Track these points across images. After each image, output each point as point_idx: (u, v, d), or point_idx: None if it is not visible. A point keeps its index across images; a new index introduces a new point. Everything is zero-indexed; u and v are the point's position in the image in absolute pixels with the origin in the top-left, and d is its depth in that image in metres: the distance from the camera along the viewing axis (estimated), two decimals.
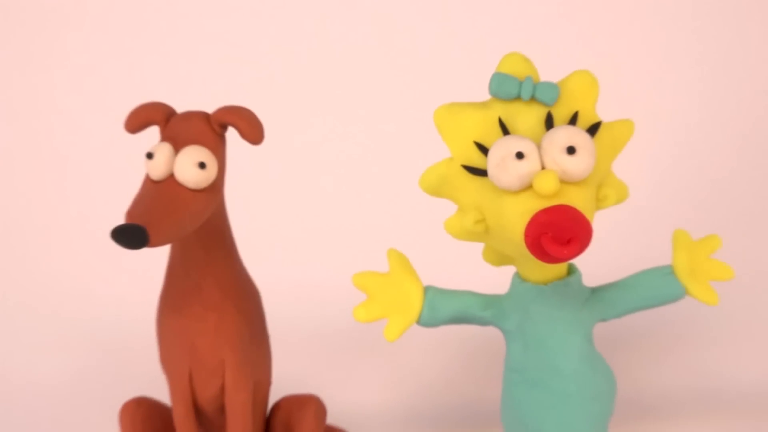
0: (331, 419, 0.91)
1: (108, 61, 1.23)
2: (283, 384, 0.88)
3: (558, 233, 0.62)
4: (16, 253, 1.14)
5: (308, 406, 0.83)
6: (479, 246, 0.74)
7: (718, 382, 0.99)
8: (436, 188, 0.71)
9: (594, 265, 0.75)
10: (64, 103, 1.21)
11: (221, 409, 0.79)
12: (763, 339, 1.02)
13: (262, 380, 0.82)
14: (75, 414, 1.00)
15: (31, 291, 1.12)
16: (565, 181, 0.65)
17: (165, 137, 0.73)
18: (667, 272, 0.74)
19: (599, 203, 0.70)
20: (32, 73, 1.21)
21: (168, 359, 0.78)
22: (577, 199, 0.65)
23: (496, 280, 0.76)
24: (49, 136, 1.20)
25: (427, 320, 0.73)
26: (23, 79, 1.22)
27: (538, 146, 0.66)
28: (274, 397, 0.86)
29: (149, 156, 0.71)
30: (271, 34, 1.18)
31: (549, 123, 0.68)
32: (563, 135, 0.66)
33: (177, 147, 0.72)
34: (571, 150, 0.65)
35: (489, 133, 0.68)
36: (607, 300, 0.74)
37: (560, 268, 0.72)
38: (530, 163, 0.65)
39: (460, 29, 1.14)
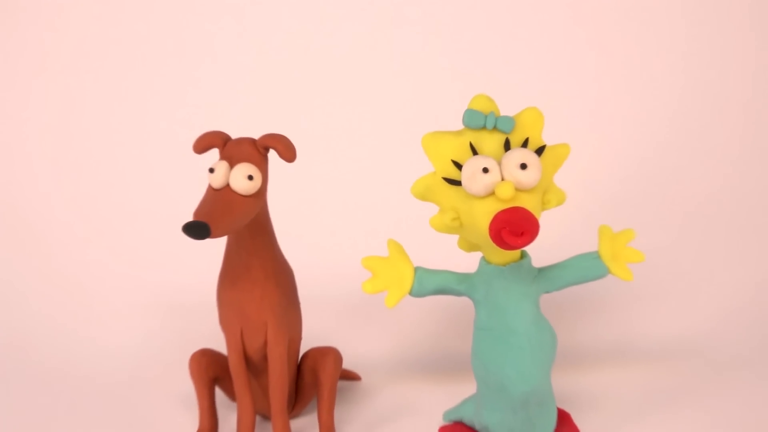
0: (346, 365, 0.94)
1: (163, 92, 1.16)
2: (310, 339, 0.88)
3: (514, 228, 0.64)
4: (112, 240, 1.12)
5: (329, 355, 0.83)
6: (455, 237, 0.75)
7: (630, 336, 0.99)
8: (423, 194, 0.72)
9: (540, 251, 0.75)
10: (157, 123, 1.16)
11: (264, 358, 0.79)
12: (662, 307, 1.01)
13: (295, 337, 0.82)
14: (157, 362, 1.00)
15: (126, 267, 1.10)
16: (519, 190, 0.67)
17: (223, 156, 0.74)
18: (594, 256, 0.75)
19: (544, 206, 0.71)
20: (112, 103, 1.17)
21: (225, 321, 0.78)
22: (528, 202, 0.67)
23: (467, 263, 0.76)
24: (140, 147, 1.15)
25: (417, 292, 0.74)
26: (101, 112, 1.17)
27: (499, 163, 0.67)
28: (303, 349, 0.86)
29: (211, 170, 0.72)
30: (290, 60, 1.15)
31: (507, 146, 0.69)
32: (517, 155, 0.67)
33: (232, 164, 0.72)
34: (523, 166, 0.66)
35: (462, 153, 0.69)
36: (550, 277, 0.75)
37: (515, 253, 0.73)
38: (493, 176, 0.66)
39: (450, 70, 1.12)
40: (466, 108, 0.70)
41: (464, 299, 0.76)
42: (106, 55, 1.16)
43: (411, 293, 0.74)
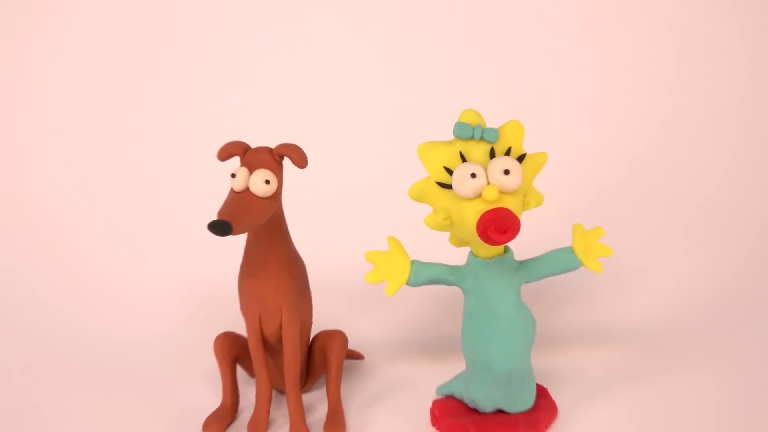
0: (351, 346, 0.93)
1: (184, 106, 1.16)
2: (319, 323, 0.88)
3: (498, 226, 0.65)
4: (148, 238, 1.11)
5: (336, 337, 0.83)
6: (446, 234, 0.75)
7: (600, 321, 0.99)
8: (418, 196, 0.72)
9: (521, 246, 0.75)
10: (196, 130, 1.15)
11: (280, 340, 0.79)
12: (627, 295, 1.00)
13: (306, 321, 0.82)
14: (186, 344, 0.99)
15: (160, 261, 1.09)
16: (502, 192, 0.67)
17: (243, 163, 0.74)
18: (568, 251, 0.75)
19: (524, 206, 0.71)
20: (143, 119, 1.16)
21: (245, 307, 0.78)
22: (510, 204, 0.67)
23: (457, 257, 0.76)
24: (171, 151, 1.15)
25: (413, 282, 0.74)
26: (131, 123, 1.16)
27: (485, 169, 0.68)
28: (313, 332, 0.86)
29: (233, 176, 0.72)
30: (300, 72, 1.14)
31: (492, 154, 0.69)
32: (501, 162, 0.68)
33: (251, 170, 0.72)
34: (506, 172, 0.67)
35: (453, 160, 0.70)
36: (530, 269, 0.75)
37: (499, 248, 0.73)
38: (480, 181, 0.67)
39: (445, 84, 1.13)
40: (456, 121, 0.70)
41: (455, 288, 0.76)
42: (139, 66, 1.16)
43: (408, 283, 0.74)
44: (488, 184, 0.67)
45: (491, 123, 0.72)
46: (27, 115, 1.16)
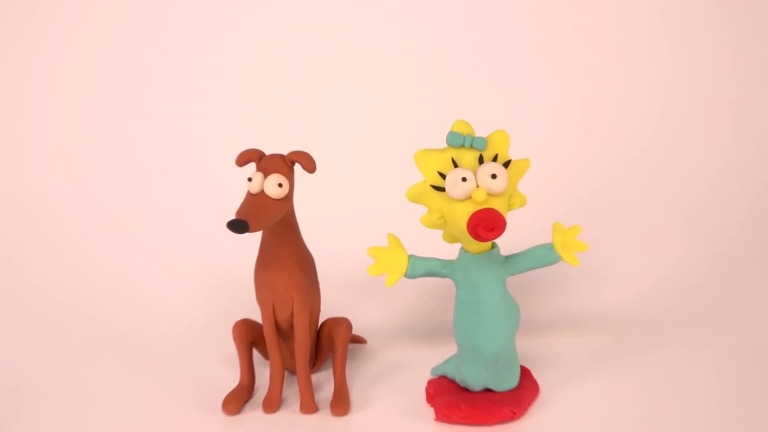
0: (355, 331, 0.94)
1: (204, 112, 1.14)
2: (327, 311, 0.88)
3: (487, 224, 0.65)
4: (177, 236, 1.11)
5: (342, 324, 0.83)
6: (440, 232, 0.75)
7: (578, 308, 0.98)
8: (415, 198, 0.72)
9: (507, 242, 0.76)
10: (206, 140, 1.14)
11: (291, 326, 0.79)
12: (602, 285, 1.00)
13: (315, 309, 0.82)
14: (208, 329, 0.99)
15: (187, 255, 1.08)
16: (490, 195, 0.68)
17: (258, 169, 0.74)
18: (549, 247, 0.75)
19: (510, 207, 0.71)
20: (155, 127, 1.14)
21: (260, 297, 0.78)
22: (497, 205, 0.67)
23: (450, 252, 0.77)
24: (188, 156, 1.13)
25: (410, 275, 0.74)
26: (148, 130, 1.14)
27: (475, 174, 0.68)
28: (321, 318, 0.86)
29: (249, 180, 0.73)
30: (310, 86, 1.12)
31: (481, 160, 0.70)
32: (489, 167, 0.68)
33: (266, 174, 0.73)
34: (494, 176, 0.67)
35: (446, 166, 0.70)
36: (514, 263, 0.75)
37: (487, 244, 0.73)
38: (470, 184, 0.67)
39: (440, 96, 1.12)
40: (449, 131, 0.71)
41: (447, 280, 0.76)
42: (161, 64, 1.14)
43: (406, 275, 0.74)
44: (477, 187, 0.67)
45: (480, 132, 0.72)
46: (52, 110, 1.14)
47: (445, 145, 0.71)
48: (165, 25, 1.13)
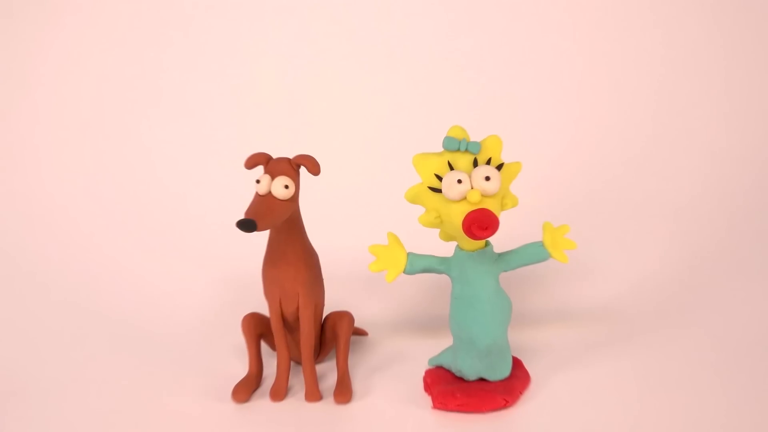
0: (357, 324, 0.94)
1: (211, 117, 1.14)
2: (330, 305, 0.88)
3: (481, 223, 0.66)
4: (190, 235, 1.10)
5: (344, 317, 0.83)
6: (437, 230, 0.75)
7: (566, 303, 0.98)
8: (413, 199, 0.72)
9: (500, 240, 0.76)
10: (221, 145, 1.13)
11: (297, 319, 0.79)
12: (589, 281, 1.00)
13: (319, 303, 0.82)
14: (218, 322, 0.98)
15: (198, 253, 1.07)
16: (484, 196, 0.68)
17: (266, 171, 0.74)
18: (539, 245, 0.75)
19: (502, 207, 0.72)
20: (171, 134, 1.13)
21: (267, 292, 0.78)
22: (491, 205, 0.68)
23: (446, 250, 0.76)
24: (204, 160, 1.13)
25: (409, 271, 0.74)
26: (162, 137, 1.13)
27: (469, 176, 0.68)
28: (325, 312, 0.86)
29: (257, 181, 0.73)
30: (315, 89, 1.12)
31: (475, 163, 0.70)
32: (483, 170, 0.68)
33: (273, 177, 0.73)
34: (487, 178, 0.68)
35: (442, 169, 0.70)
36: (506, 260, 0.75)
37: (481, 242, 0.73)
38: (465, 186, 0.67)
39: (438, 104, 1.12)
40: (445, 136, 0.71)
41: (444, 276, 0.76)
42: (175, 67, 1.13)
43: (405, 272, 0.75)
44: (472, 188, 0.67)
45: (474, 137, 0.72)
46: (68, 112, 1.14)
47: (442, 149, 0.71)
48: (177, 27, 1.12)
